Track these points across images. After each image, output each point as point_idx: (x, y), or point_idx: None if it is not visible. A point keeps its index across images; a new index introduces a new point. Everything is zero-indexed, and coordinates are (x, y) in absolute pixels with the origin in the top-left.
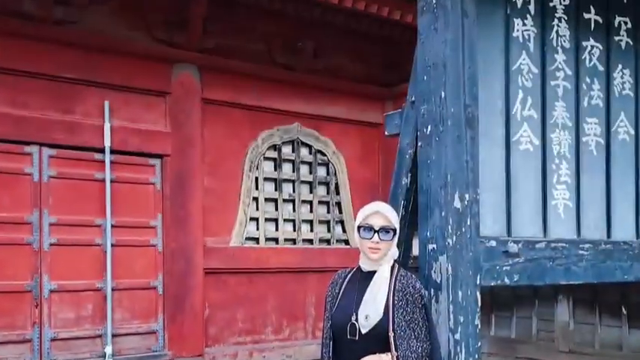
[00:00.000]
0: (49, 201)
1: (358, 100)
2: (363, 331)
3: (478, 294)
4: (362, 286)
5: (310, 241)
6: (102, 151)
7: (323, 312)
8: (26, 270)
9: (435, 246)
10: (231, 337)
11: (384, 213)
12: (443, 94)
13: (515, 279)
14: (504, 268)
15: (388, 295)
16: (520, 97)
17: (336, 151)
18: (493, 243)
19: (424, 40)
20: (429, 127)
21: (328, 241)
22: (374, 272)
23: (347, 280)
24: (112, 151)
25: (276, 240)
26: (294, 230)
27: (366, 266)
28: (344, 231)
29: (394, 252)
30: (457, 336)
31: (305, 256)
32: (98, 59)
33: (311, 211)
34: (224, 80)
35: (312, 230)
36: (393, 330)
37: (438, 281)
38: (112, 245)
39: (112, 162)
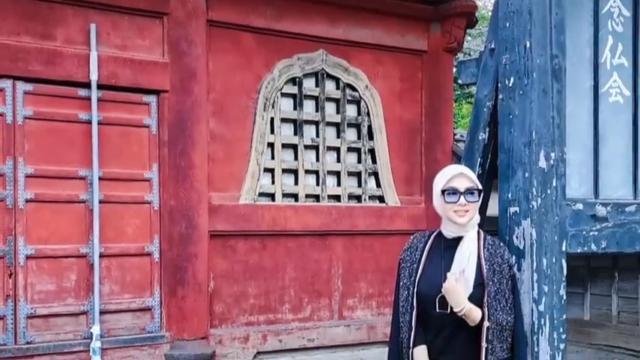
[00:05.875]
0: (25, 148)
1: (397, 22)
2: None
3: (564, 262)
4: (448, 255)
5: (337, 198)
6: (87, 86)
7: (396, 278)
8: None
9: (517, 209)
10: (241, 315)
11: (467, 174)
12: (528, 43)
13: (603, 246)
14: (592, 234)
15: (480, 265)
16: (610, 44)
17: (370, 85)
18: (580, 206)
19: None
20: (512, 79)
21: (359, 198)
22: (459, 239)
23: (428, 246)
24: (100, 86)
25: (295, 196)
26: (318, 184)
27: (450, 233)
28: (378, 185)
29: (477, 216)
30: (541, 307)
31: (331, 216)
32: None
33: (338, 160)
34: None
35: (339, 184)
36: (487, 302)
37: (521, 247)
38: (100, 202)
39: (99, 99)
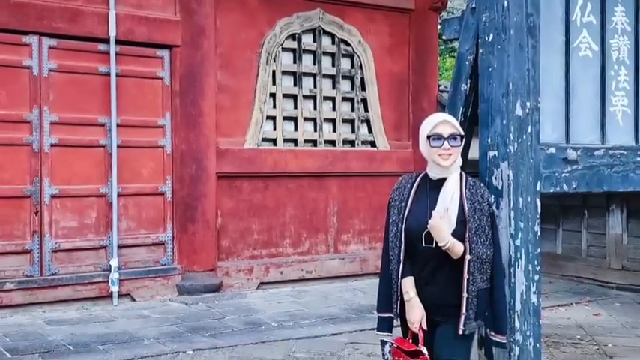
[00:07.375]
0: (50, 97)
1: None
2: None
3: (538, 201)
4: (433, 195)
5: (333, 143)
6: (106, 41)
7: (387, 216)
8: (25, 173)
9: (496, 153)
10: (246, 249)
11: (451, 122)
12: (505, 2)
13: (574, 186)
14: (563, 175)
15: (462, 204)
16: (580, 3)
17: (362, 41)
18: (553, 150)
19: None
20: (491, 35)
21: (352, 143)
22: (443, 180)
23: (415, 186)
24: (117, 42)
25: (295, 141)
26: (315, 130)
27: (435, 174)
28: (370, 132)
29: (460, 160)
30: (517, 242)
31: (327, 159)
32: None
33: (334, 108)
34: None
35: (334, 130)
36: (468, 237)
37: (499, 188)
38: (118, 146)
39: (117, 53)
